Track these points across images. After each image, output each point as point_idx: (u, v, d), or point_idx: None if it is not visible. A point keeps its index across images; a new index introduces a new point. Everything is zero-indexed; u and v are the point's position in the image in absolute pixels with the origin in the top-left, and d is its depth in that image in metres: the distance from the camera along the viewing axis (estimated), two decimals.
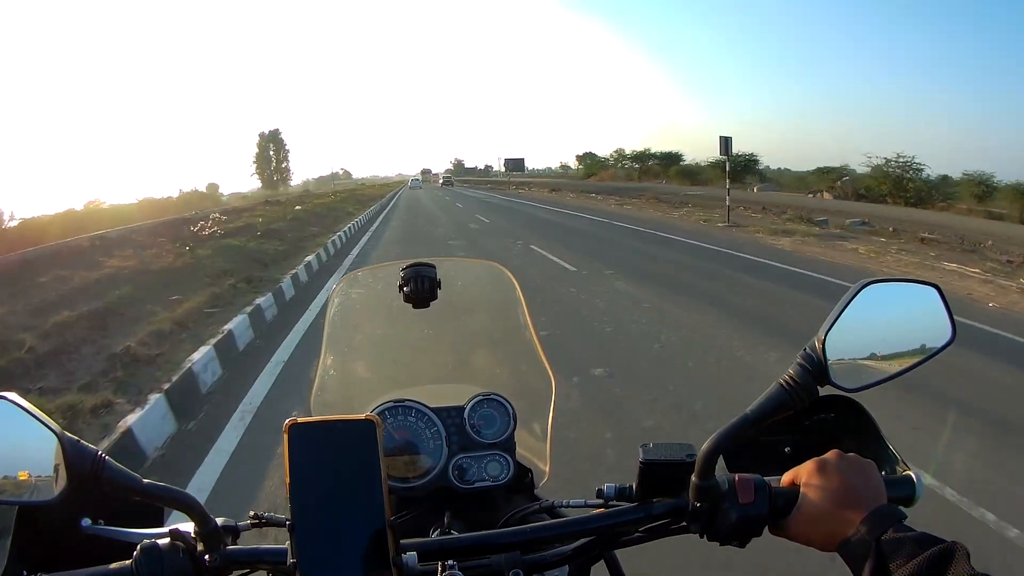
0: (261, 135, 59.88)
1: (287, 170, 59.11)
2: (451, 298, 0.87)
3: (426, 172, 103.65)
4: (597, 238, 10.71)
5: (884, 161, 25.39)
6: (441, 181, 68.81)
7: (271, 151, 58.57)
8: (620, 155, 58.24)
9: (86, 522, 0.59)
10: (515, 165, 61.98)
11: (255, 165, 58.62)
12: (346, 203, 22.08)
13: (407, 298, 0.82)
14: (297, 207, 17.28)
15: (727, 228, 11.96)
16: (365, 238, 11.88)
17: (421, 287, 0.80)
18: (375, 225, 14.74)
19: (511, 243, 9.91)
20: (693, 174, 43.32)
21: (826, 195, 23.98)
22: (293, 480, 0.51)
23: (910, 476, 0.58)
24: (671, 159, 50.35)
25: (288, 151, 59.29)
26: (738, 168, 41.12)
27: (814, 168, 35.02)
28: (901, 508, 0.51)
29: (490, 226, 13.35)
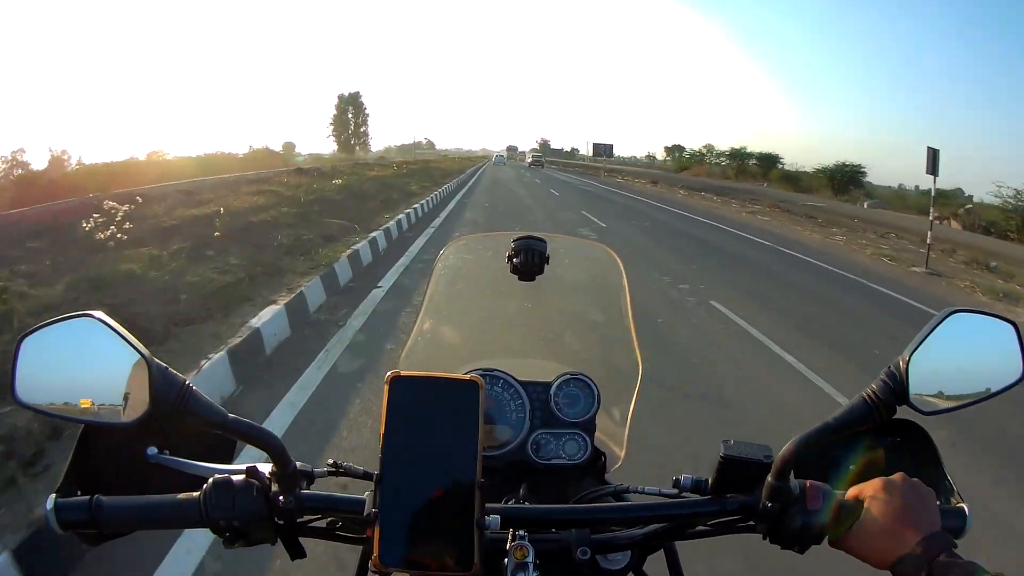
0: (340, 97, 60.22)
1: (366, 134, 59.77)
2: (556, 274, 0.92)
3: (512, 149, 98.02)
4: (784, 281, 6.93)
5: (1015, 193, 21.92)
6: (530, 160, 65.94)
7: (350, 114, 58.91)
8: (711, 151, 56.94)
9: (152, 451, 0.60)
10: (604, 150, 60.91)
11: (332, 127, 58.90)
12: (412, 178, 17.18)
13: (514, 269, 0.87)
14: (336, 180, 12.65)
15: (929, 278, 8.34)
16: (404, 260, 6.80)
17: (530, 260, 0.85)
18: (436, 223, 9.79)
19: (667, 287, 5.91)
20: (794, 180, 41.38)
21: (953, 224, 20.73)
22: (388, 431, 0.53)
23: (963, 509, 0.62)
24: (769, 161, 48.29)
25: (368, 115, 60.21)
26: (843, 179, 37.37)
27: (903, 186, 36.80)
28: (952, 537, 0.57)
29: (613, 238, 9.31)
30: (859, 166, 37.75)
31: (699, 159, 58.19)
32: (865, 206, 27.56)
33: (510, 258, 0.89)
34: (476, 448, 0.54)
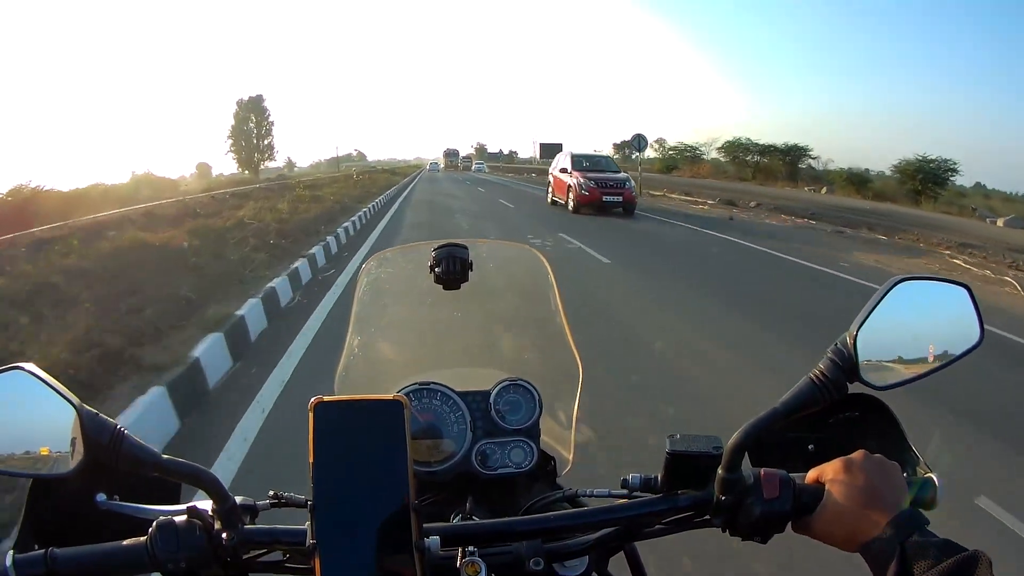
0: (240, 103, 53.88)
1: (271, 147, 53.76)
2: (482, 280, 1.01)
3: (451, 155, 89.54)
4: None
5: None
6: (463, 166, 72.38)
7: (252, 123, 53.23)
8: (714, 145, 51.71)
9: (101, 497, 0.68)
10: (551, 151, 61.96)
11: (230, 141, 53.00)
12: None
13: (438, 279, 0.96)
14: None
15: None
16: None
17: (452, 268, 0.94)
18: None
19: None
20: (863, 182, 36.61)
21: None
22: (317, 459, 0.59)
23: (932, 479, 0.67)
24: (795, 154, 44.18)
25: (272, 123, 54.22)
26: (927, 179, 32.64)
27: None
28: (923, 512, 0.60)
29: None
30: (949, 162, 33.18)
31: (692, 155, 53.78)
32: (1000, 223, 21.57)
33: (432, 267, 0.96)
34: (406, 469, 0.59)
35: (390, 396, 0.61)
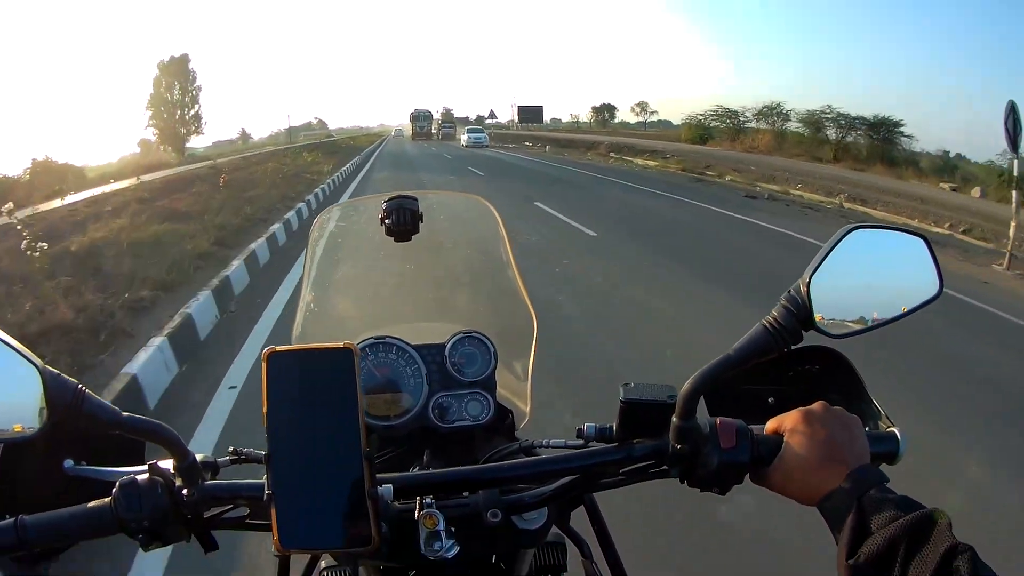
0: (160, 66, 46.44)
1: (198, 119, 46.79)
2: (433, 233, 1.13)
3: (420, 118, 75.85)
4: None
5: None
6: (442, 133, 68.93)
7: (176, 90, 46.73)
8: (772, 110, 43.88)
9: (68, 463, 0.76)
10: (531, 115, 65.58)
11: (149, 113, 45.90)
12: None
13: (388, 231, 1.07)
14: None
15: None
16: None
17: (403, 219, 1.05)
18: None
19: None
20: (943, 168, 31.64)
21: None
22: (270, 410, 0.65)
23: (894, 433, 0.74)
24: (886, 130, 37.55)
25: (199, 88, 46.91)
26: None
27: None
28: (883, 469, 0.66)
29: None
30: None
31: (734, 123, 46.52)
32: None
33: (383, 219, 1.07)
34: (357, 417, 0.65)
35: (340, 344, 0.67)
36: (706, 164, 26.18)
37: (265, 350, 0.68)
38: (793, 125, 44.70)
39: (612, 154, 35.94)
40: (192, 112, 47.60)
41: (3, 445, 0.74)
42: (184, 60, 48.30)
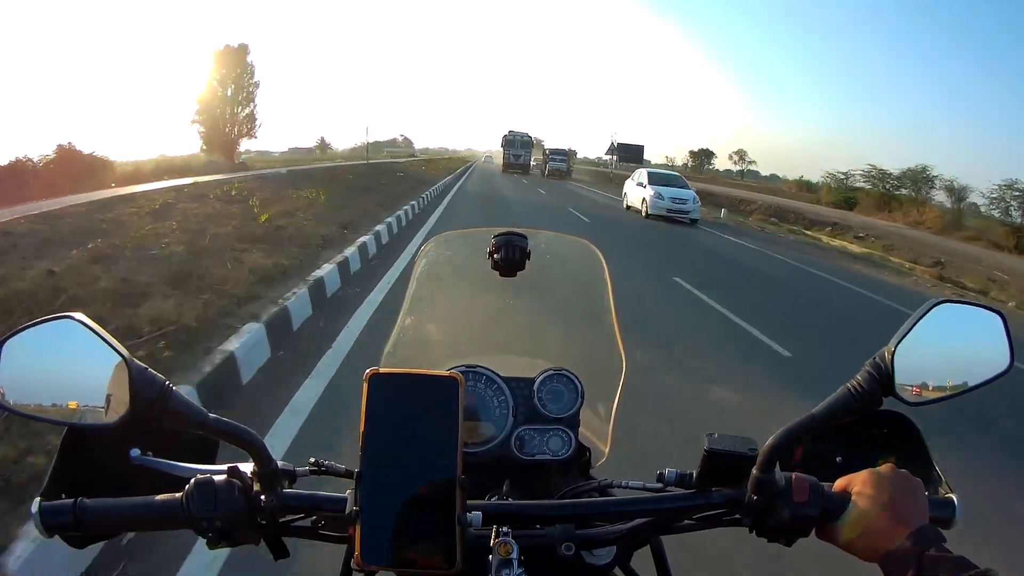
0: (218, 54, 41.49)
1: (252, 120, 42.28)
2: (538, 270, 1.23)
3: (515, 144, 55.64)
4: None
5: None
6: (552, 169, 52.18)
7: (229, 88, 42.21)
8: (918, 175, 42.15)
9: (135, 452, 0.81)
10: (631, 154, 58.38)
11: (197, 115, 41.33)
12: None
13: (495, 265, 1.17)
14: None
15: None
16: None
17: (511, 256, 1.16)
18: None
19: None
20: None
21: None
22: (368, 429, 0.72)
23: (952, 499, 0.82)
24: None
25: (257, 84, 42.24)
26: None
27: None
28: (941, 530, 0.74)
29: None
30: None
31: (885, 188, 43.53)
32: None
33: (491, 254, 1.17)
34: (456, 444, 0.73)
35: (447, 372, 0.75)
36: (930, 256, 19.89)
37: (368, 371, 0.75)
38: (937, 194, 43.26)
39: (773, 219, 30.20)
40: (245, 112, 43.23)
41: (68, 428, 0.81)
42: (243, 51, 43.64)
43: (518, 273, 1.20)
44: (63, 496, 0.77)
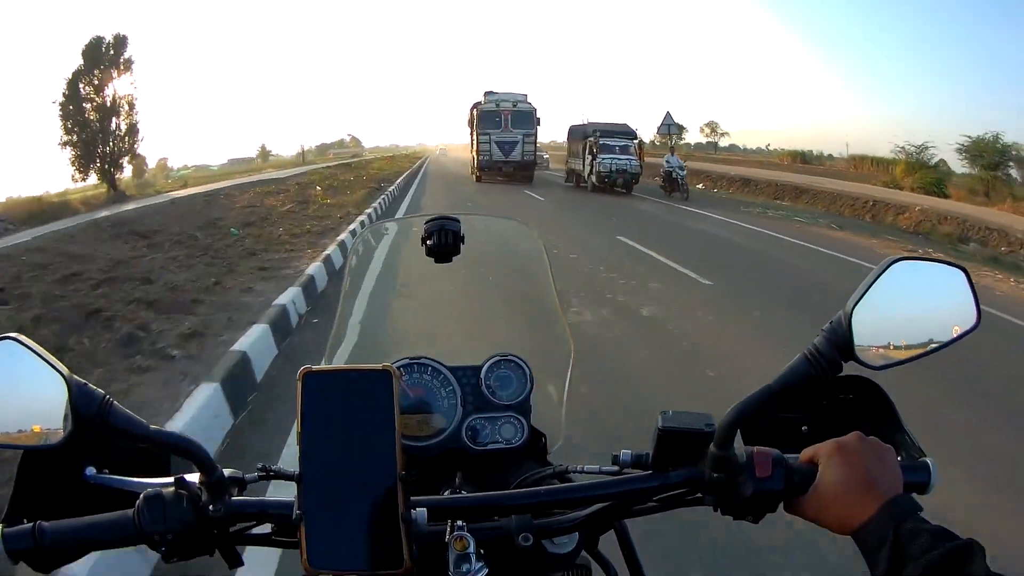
0: (85, 50, 35.80)
1: (133, 135, 37.53)
2: (474, 255, 1.33)
3: (497, 113, 30.75)
4: None
5: None
6: (599, 169, 25.40)
7: (88, 89, 36.01)
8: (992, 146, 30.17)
9: (90, 471, 0.90)
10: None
11: (61, 127, 35.67)
12: None
13: (429, 252, 1.26)
14: None
15: None
16: None
17: (444, 241, 1.26)
18: None
19: None
20: None
21: None
22: (305, 430, 0.78)
23: (927, 463, 0.87)
24: None
25: (135, 85, 37.74)
26: None
27: None
28: (916, 498, 0.78)
29: None
30: None
31: (992, 167, 31.23)
32: None
33: (424, 240, 1.25)
34: (394, 440, 0.78)
35: (379, 366, 0.80)
36: None
37: (301, 370, 0.80)
38: None
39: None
40: (124, 126, 37.90)
41: (24, 452, 0.87)
42: (119, 45, 38.35)
43: (454, 258, 1.28)
44: (24, 521, 0.84)
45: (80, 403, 0.78)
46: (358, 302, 1.45)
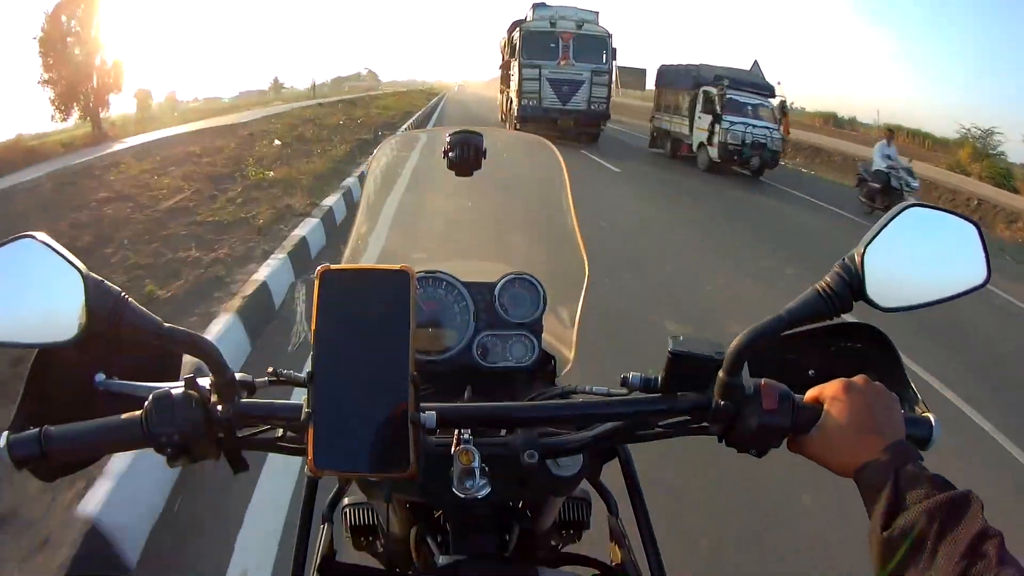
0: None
1: (118, 67, 34.44)
2: (495, 171, 1.37)
3: (549, 40, 21.29)
4: None
5: None
6: (727, 141, 17.18)
7: (73, 24, 33.21)
8: None
9: (100, 377, 0.93)
10: (633, 79, 49.72)
11: (41, 64, 32.64)
12: None
13: (451, 164, 1.31)
14: None
15: None
16: None
17: (466, 154, 1.31)
18: None
19: None
20: None
21: None
22: (319, 328, 0.80)
23: (929, 418, 0.91)
24: None
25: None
26: None
27: None
28: (917, 448, 0.79)
29: None
30: None
31: None
32: None
33: (446, 153, 1.29)
34: (408, 339, 0.79)
35: (397, 267, 0.82)
36: None
37: (319, 268, 0.82)
38: None
39: None
40: (107, 60, 35.18)
41: (37, 352, 0.90)
42: None
43: (474, 173, 1.33)
44: (30, 427, 0.86)
45: (95, 299, 0.81)
46: (375, 212, 1.53)
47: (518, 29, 22.42)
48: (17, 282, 0.83)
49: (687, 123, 20.02)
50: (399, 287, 0.85)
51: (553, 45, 21.67)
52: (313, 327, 0.84)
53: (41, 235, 0.81)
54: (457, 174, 1.35)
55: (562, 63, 21.69)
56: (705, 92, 18.83)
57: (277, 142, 16.64)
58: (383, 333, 0.85)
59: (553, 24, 21.57)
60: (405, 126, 22.97)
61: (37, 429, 0.87)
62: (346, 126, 21.84)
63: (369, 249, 1.47)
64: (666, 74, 22.47)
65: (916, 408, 1.00)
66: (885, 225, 0.90)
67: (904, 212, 0.92)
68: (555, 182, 1.51)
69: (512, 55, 23.89)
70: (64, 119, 36.97)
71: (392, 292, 0.86)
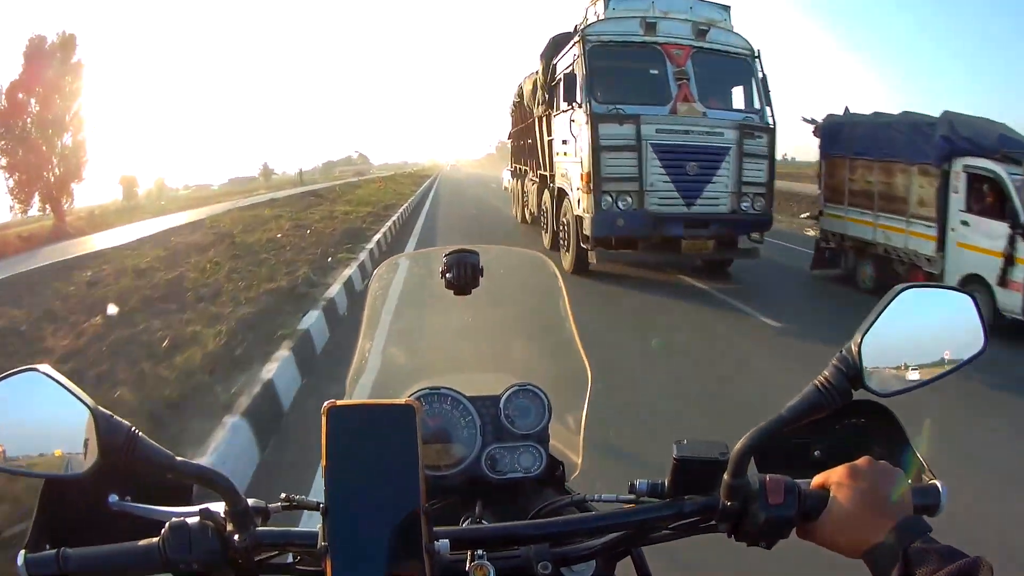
0: (32, 41, 33.67)
1: (79, 150, 34.42)
2: (492, 286, 1.44)
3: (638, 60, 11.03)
4: None
5: None
6: None
7: (32, 102, 32.80)
8: None
9: (113, 498, 0.96)
10: None
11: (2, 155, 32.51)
12: None
13: (448, 284, 1.36)
14: None
15: None
16: None
17: (463, 274, 1.36)
18: None
19: None
20: None
21: None
22: (329, 463, 0.84)
23: (936, 486, 0.93)
24: None
25: (78, 90, 34.37)
26: None
27: None
28: (926, 519, 0.84)
29: None
30: None
31: None
32: None
33: (443, 273, 1.35)
34: (417, 472, 0.84)
35: (402, 400, 0.87)
36: None
37: (325, 404, 0.85)
38: None
39: None
40: (67, 142, 34.53)
41: (47, 479, 0.94)
42: (68, 46, 35.26)
43: (473, 290, 1.38)
44: (47, 547, 0.90)
45: (106, 434, 0.85)
46: (377, 334, 1.59)
47: (577, 44, 11.93)
48: (23, 414, 0.88)
49: (922, 229, 11.32)
50: (405, 421, 0.92)
51: (655, 72, 11.74)
52: (324, 462, 0.90)
53: (45, 367, 0.85)
54: (455, 293, 1.43)
55: (680, 109, 11.53)
56: (979, 172, 10.27)
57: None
58: (392, 466, 0.91)
59: (651, 29, 11.75)
60: (375, 240, 16.61)
61: (55, 551, 0.91)
62: (282, 243, 15.63)
63: (373, 369, 1.61)
64: (854, 132, 12.98)
65: (924, 476, 1.03)
66: (881, 311, 0.93)
67: (899, 295, 0.96)
68: (551, 292, 1.61)
69: (550, 104, 13.95)
70: (24, 211, 35.19)
71: (398, 426, 0.92)
